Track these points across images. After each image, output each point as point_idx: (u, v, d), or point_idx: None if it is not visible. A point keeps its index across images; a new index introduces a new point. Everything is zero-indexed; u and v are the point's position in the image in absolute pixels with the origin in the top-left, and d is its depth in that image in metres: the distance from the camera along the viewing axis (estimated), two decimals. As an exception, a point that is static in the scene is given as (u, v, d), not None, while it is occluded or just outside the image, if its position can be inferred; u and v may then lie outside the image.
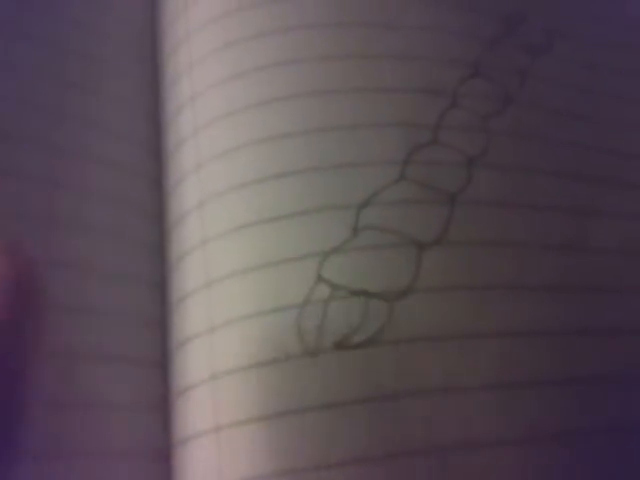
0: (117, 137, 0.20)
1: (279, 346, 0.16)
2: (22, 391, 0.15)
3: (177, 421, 0.17)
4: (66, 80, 0.20)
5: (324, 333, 0.16)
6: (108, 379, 0.17)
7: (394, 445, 0.15)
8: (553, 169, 0.20)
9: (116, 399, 0.17)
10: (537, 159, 0.20)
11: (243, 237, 0.17)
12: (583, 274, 0.19)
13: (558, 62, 0.23)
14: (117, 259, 0.19)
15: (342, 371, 0.16)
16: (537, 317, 0.17)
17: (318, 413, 0.15)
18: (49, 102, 0.20)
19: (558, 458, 0.16)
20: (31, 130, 0.19)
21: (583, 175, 0.20)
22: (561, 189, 0.20)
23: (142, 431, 0.17)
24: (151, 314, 0.19)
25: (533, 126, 0.21)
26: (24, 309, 0.15)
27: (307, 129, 0.19)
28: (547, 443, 0.16)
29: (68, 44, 0.21)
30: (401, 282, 0.17)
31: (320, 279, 0.17)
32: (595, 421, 0.17)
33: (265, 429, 0.16)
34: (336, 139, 0.19)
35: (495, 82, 0.21)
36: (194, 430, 0.17)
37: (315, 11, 0.20)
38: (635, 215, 0.20)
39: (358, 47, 0.20)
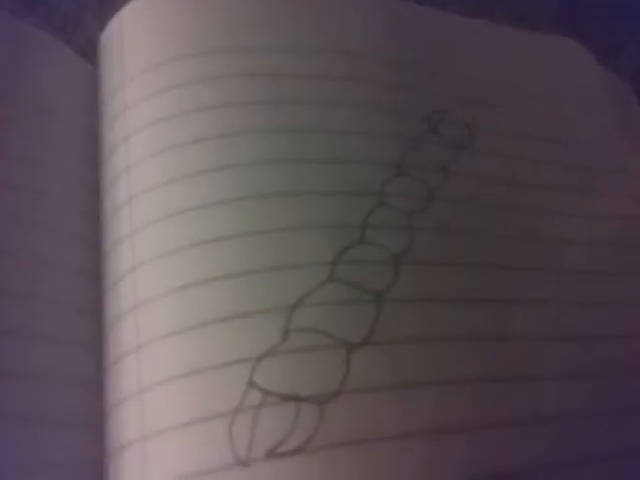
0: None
1: (211, 457, 0.16)
2: None
3: None
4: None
5: (256, 441, 0.16)
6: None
7: None
8: (474, 261, 0.21)
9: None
10: (459, 253, 0.21)
11: (172, 344, 0.18)
12: (504, 364, 0.20)
13: (478, 155, 0.24)
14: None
15: None
16: (462, 411, 0.18)
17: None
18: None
19: None
20: None
21: (503, 265, 0.22)
22: (482, 280, 0.21)
23: None
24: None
25: (455, 221, 0.22)
26: None
27: (240, 233, 0.20)
28: None
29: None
30: (331, 384, 0.17)
31: (251, 385, 0.17)
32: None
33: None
34: (268, 242, 0.19)
35: (418, 180, 0.22)
36: None
37: (247, 118, 0.22)
38: (554, 300, 0.22)
39: (288, 152, 0.21)
